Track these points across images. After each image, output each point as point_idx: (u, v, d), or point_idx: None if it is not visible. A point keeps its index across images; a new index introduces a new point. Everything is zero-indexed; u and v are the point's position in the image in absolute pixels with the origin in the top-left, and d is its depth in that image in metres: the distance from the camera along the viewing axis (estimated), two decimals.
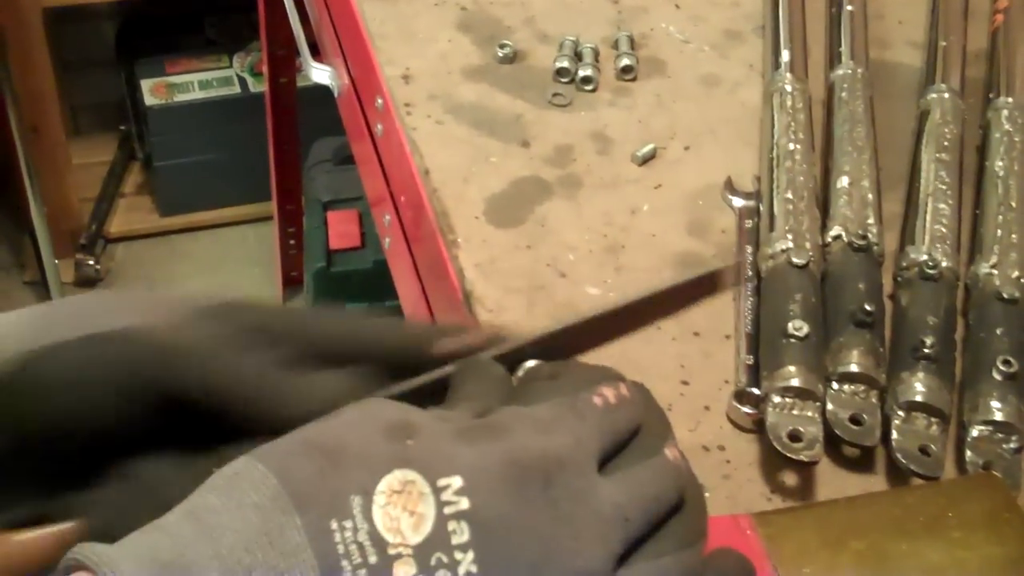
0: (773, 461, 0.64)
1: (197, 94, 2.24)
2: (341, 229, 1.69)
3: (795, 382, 0.64)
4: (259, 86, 2.22)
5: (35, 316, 0.43)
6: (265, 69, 1.82)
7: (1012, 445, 0.63)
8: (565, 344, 0.48)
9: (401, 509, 0.36)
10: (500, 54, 0.87)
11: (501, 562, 0.36)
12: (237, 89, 2.26)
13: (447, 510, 0.36)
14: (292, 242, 2.02)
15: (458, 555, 0.36)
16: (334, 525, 0.35)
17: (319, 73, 1.06)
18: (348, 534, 0.35)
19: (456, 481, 0.36)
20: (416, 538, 0.35)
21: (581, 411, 0.41)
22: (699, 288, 0.52)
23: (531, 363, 0.46)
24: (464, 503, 0.36)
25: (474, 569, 0.36)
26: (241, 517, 0.35)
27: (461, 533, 0.36)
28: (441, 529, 0.36)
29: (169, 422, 0.41)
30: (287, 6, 1.15)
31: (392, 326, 0.47)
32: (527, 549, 0.37)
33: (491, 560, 0.36)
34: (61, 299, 0.43)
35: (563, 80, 0.86)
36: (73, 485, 0.42)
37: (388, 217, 0.89)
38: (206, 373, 0.41)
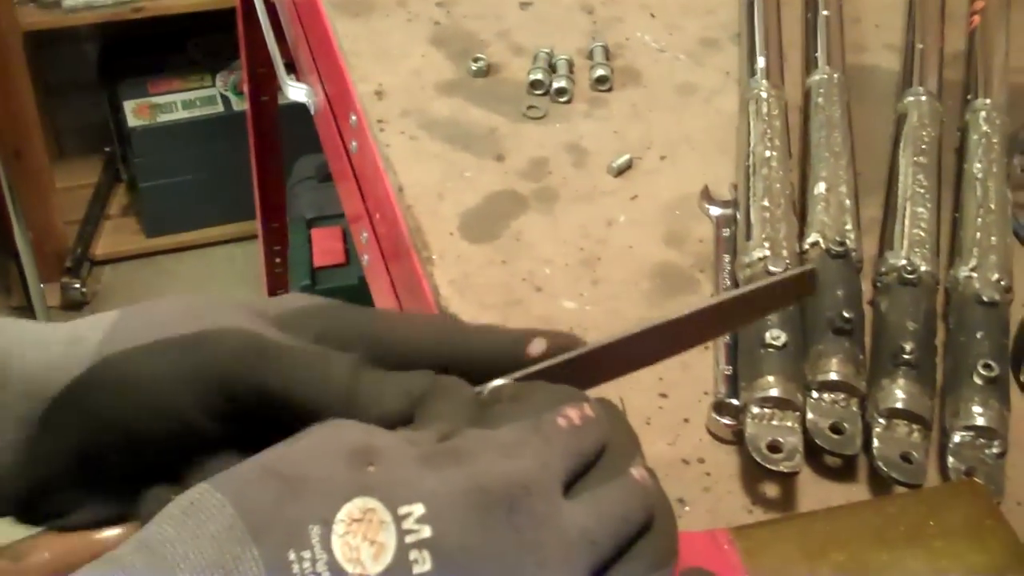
0: (754, 472, 0.64)
1: (180, 114, 2.24)
2: (325, 246, 1.69)
3: (774, 392, 0.63)
4: (242, 105, 2.21)
5: (111, 320, 0.43)
6: (246, 88, 1.82)
7: (995, 450, 0.63)
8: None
9: (361, 538, 0.35)
10: (474, 68, 0.87)
11: None
12: (220, 108, 2.26)
13: (408, 539, 0.35)
14: (278, 260, 2.01)
15: None
16: (292, 556, 0.34)
17: (295, 91, 1.05)
18: (307, 565, 0.34)
19: (418, 509, 0.36)
20: (377, 568, 0.35)
21: (545, 433, 0.40)
22: (788, 290, 0.51)
23: (496, 382, 0.45)
24: (426, 531, 0.35)
25: None
26: (196, 548, 0.34)
27: (423, 563, 0.35)
28: (402, 558, 0.35)
29: (248, 427, 0.41)
30: (263, 25, 1.14)
31: (477, 329, 0.47)
32: None
33: None
34: (135, 305, 0.43)
35: (537, 92, 0.86)
36: (154, 486, 0.41)
37: (365, 235, 0.89)
38: (295, 372, 0.41)
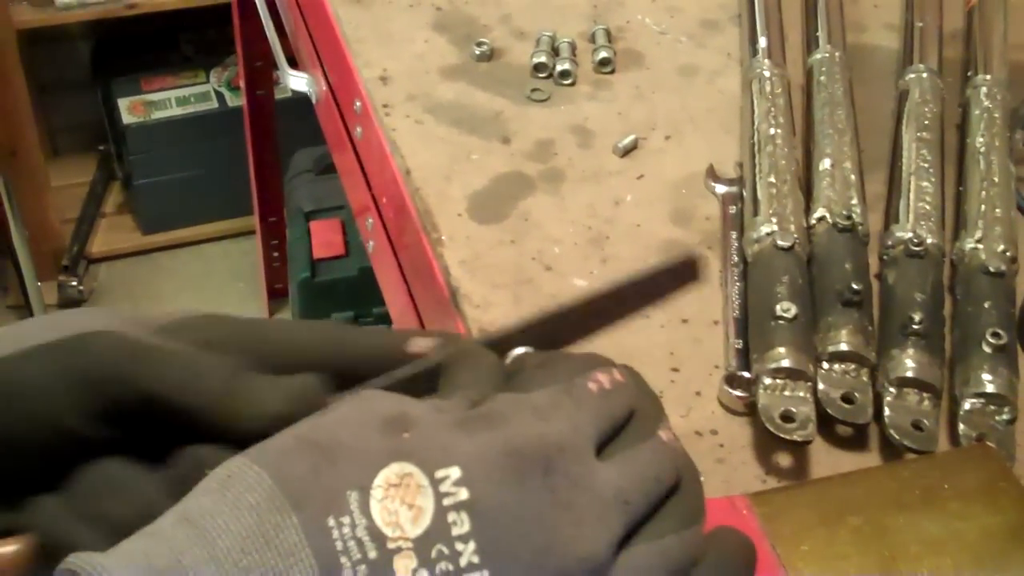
0: (766, 443, 0.64)
1: (175, 111, 2.24)
2: (324, 238, 1.69)
3: (785, 363, 0.64)
4: (237, 100, 2.22)
5: (7, 332, 0.43)
6: (242, 82, 1.82)
7: (1005, 416, 0.63)
8: (551, 332, 0.48)
9: (399, 503, 0.35)
10: (477, 52, 0.87)
11: (502, 551, 0.36)
12: (215, 104, 2.26)
13: (446, 501, 0.36)
14: (276, 254, 2.01)
15: (459, 546, 0.35)
16: (331, 522, 0.35)
17: (296, 81, 1.06)
18: (346, 530, 0.35)
19: (454, 472, 0.36)
20: (416, 531, 0.35)
21: (577, 397, 0.40)
22: (678, 274, 0.52)
23: (520, 350, 0.45)
24: (463, 494, 0.36)
25: (476, 559, 0.35)
26: (236, 518, 0.35)
27: (461, 524, 0.35)
28: (441, 521, 0.35)
29: (139, 431, 0.41)
30: (262, 17, 1.14)
31: (359, 332, 0.47)
32: (528, 537, 0.36)
33: (492, 549, 0.36)
34: (34, 317, 0.42)
35: (541, 75, 0.86)
36: (41, 495, 0.41)
37: (371, 221, 0.89)
38: (169, 372, 0.40)
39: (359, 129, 0.89)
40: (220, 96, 2.27)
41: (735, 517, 0.53)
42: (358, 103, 0.87)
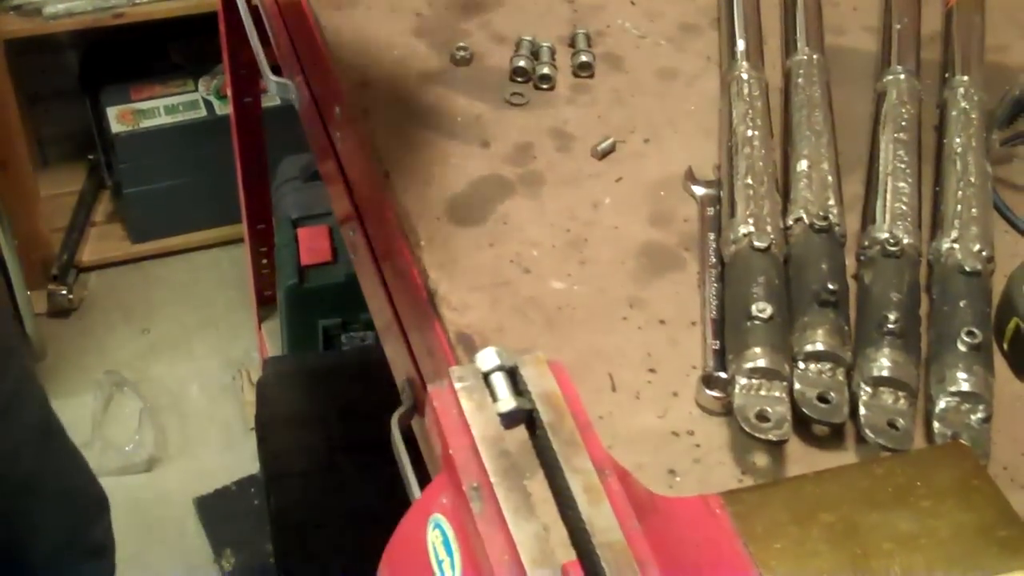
0: (743, 443, 0.64)
1: (164, 119, 2.24)
2: (312, 244, 1.69)
3: (761, 363, 0.64)
4: (225, 108, 2.21)
5: None
6: (229, 89, 1.82)
7: (979, 415, 0.64)
8: None
9: None
10: (456, 56, 0.88)
11: None
12: (203, 112, 2.26)
13: None
14: (264, 261, 2.01)
15: None
16: None
17: (280, 87, 1.06)
18: None
19: None
20: None
21: None
22: None
23: None
24: None
25: None
26: None
27: None
28: None
29: None
30: (245, 24, 1.14)
31: None
32: None
33: None
34: None
35: (521, 80, 0.86)
36: None
37: (353, 227, 0.89)
38: None
39: (339, 134, 0.89)
40: (209, 104, 2.27)
41: (708, 516, 0.54)
42: (338, 109, 0.87)
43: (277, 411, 1.57)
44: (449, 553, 0.44)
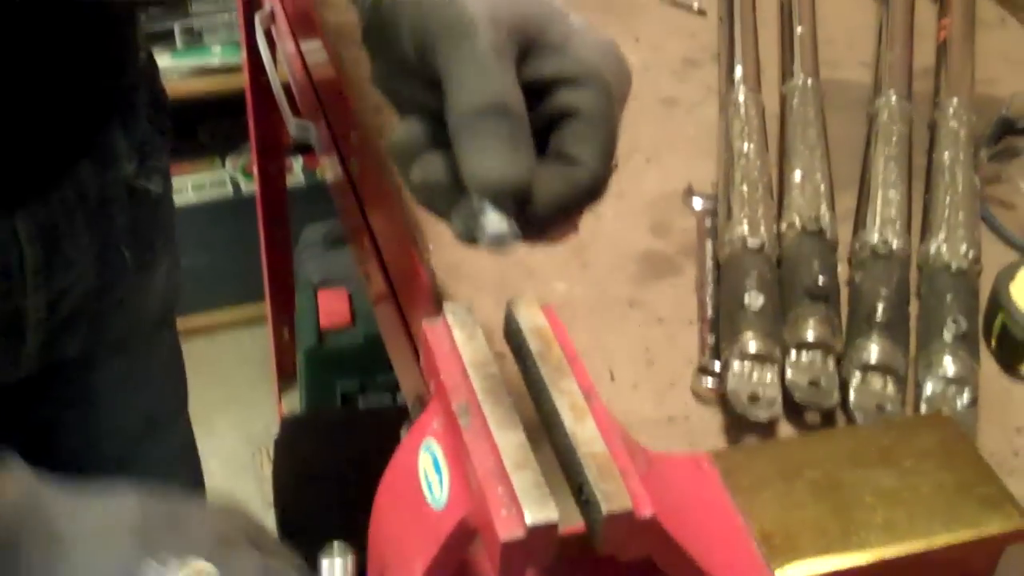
0: (737, 429, 0.66)
1: (190, 196, 2.29)
2: (331, 307, 1.72)
3: (752, 346, 0.66)
4: (251, 187, 2.27)
5: None
6: (255, 161, 1.87)
7: (965, 398, 0.65)
8: None
9: None
10: None
11: None
12: (229, 191, 2.31)
13: None
14: (286, 332, 2.04)
15: None
16: None
17: (299, 128, 1.10)
18: None
19: None
20: None
21: None
22: None
23: None
24: None
25: None
26: None
27: None
28: None
29: None
30: (268, 70, 1.20)
31: None
32: None
33: None
34: None
35: None
36: None
37: (363, 241, 0.93)
38: None
39: (355, 161, 0.93)
40: (235, 183, 2.33)
41: (697, 472, 0.55)
42: (354, 134, 0.91)
43: (293, 468, 1.59)
44: (438, 471, 0.46)
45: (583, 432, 0.44)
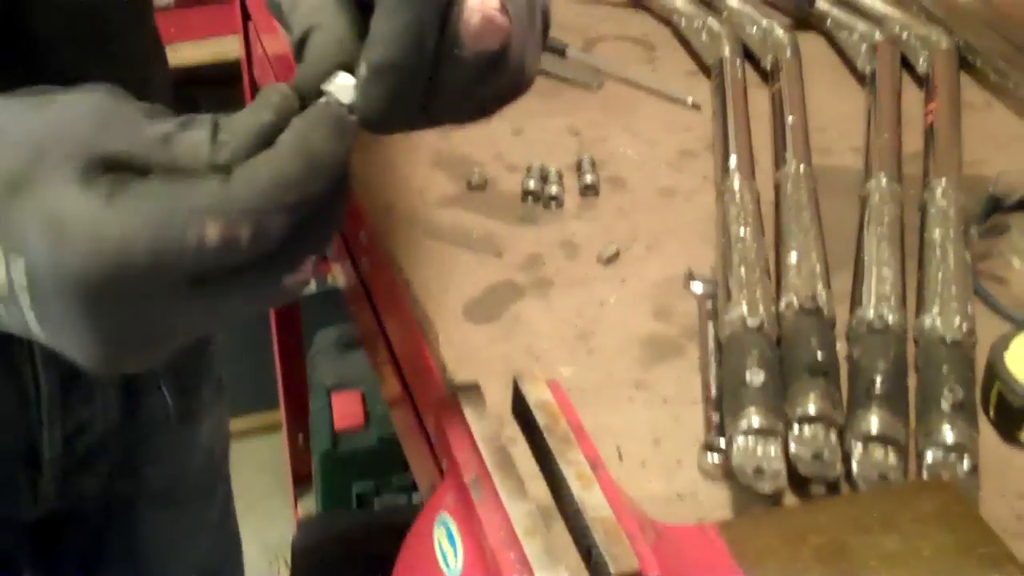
0: (743, 502, 0.68)
1: None
2: (345, 410, 1.74)
3: (755, 422, 0.68)
4: None
5: None
6: None
7: (966, 465, 0.67)
8: None
9: None
10: (472, 182, 0.95)
11: None
12: None
13: None
14: (300, 438, 2.05)
15: None
16: None
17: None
18: None
19: None
20: None
21: None
22: None
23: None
24: None
25: None
26: None
27: None
28: None
29: None
30: None
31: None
32: None
33: None
34: None
35: (531, 200, 0.93)
36: None
37: (375, 339, 0.95)
38: None
39: (365, 260, 0.96)
40: None
41: (705, 543, 0.57)
42: (363, 233, 0.94)
43: (311, 571, 1.59)
44: (452, 544, 0.47)
45: (590, 498, 0.46)
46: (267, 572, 2.24)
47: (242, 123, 0.46)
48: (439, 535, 0.48)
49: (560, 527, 0.47)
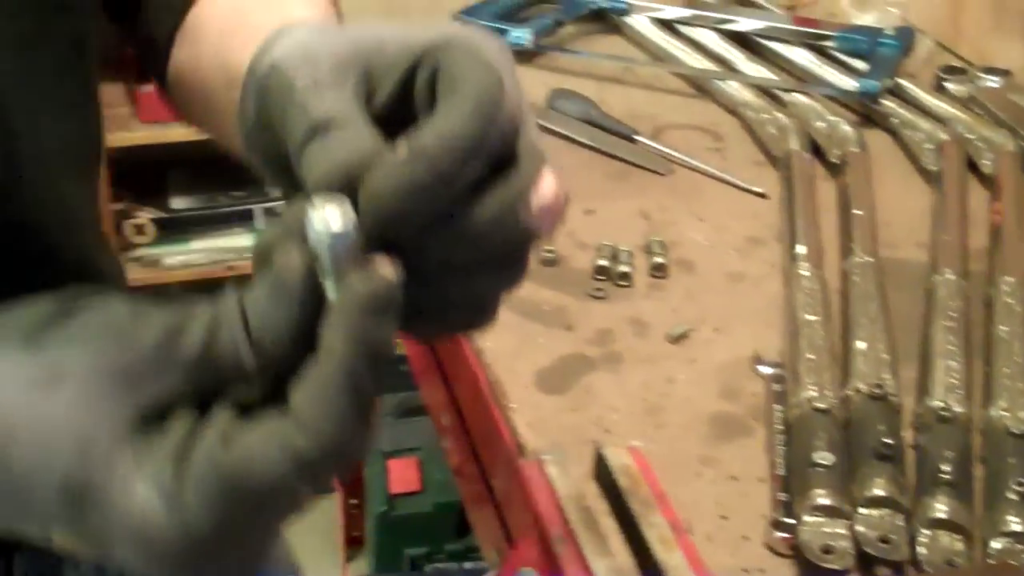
0: None
1: None
2: (402, 475, 1.77)
3: (824, 501, 0.69)
4: None
5: None
6: None
7: None
8: None
9: None
10: (544, 258, 0.98)
11: None
12: None
13: None
14: (353, 502, 2.07)
15: None
16: None
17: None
18: None
19: None
20: None
21: None
22: None
23: None
24: None
25: None
26: None
27: None
28: None
29: None
30: None
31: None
32: None
33: None
34: None
35: (601, 277, 0.96)
36: None
37: (445, 413, 0.97)
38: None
39: None
40: None
41: None
42: None
43: None
44: None
45: (672, 560, 0.48)
46: None
47: (274, 321, 0.42)
48: None
49: None
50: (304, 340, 0.42)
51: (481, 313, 0.48)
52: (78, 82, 0.66)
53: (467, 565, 1.77)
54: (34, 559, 0.68)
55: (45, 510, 0.42)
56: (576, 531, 0.48)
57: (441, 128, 0.42)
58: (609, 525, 0.50)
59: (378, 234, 0.42)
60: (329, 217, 0.41)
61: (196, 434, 0.42)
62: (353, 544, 2.09)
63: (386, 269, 0.41)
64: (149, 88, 2.09)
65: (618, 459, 0.54)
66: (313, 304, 0.42)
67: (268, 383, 0.43)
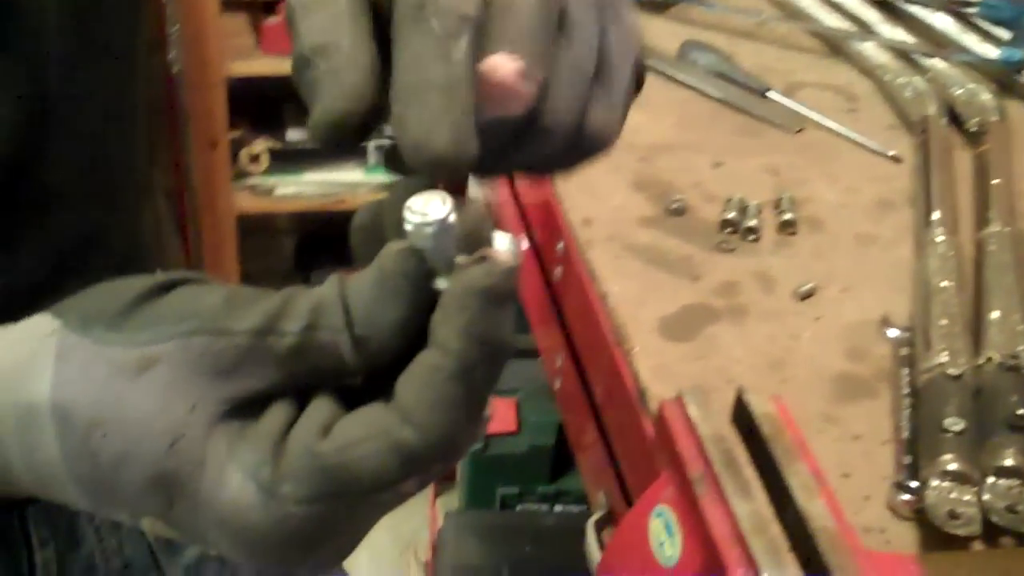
0: (932, 544, 0.68)
1: None
2: (500, 415, 1.78)
3: (952, 467, 0.68)
4: None
5: None
6: None
7: None
8: None
9: None
10: (671, 207, 0.97)
11: None
12: None
13: None
14: None
15: None
16: None
17: (500, 239, 1.17)
18: None
19: None
20: None
21: None
22: None
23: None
24: None
25: None
26: None
27: None
28: None
29: None
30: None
31: None
32: None
33: None
34: None
35: (728, 231, 0.95)
36: None
37: (560, 356, 0.98)
38: None
39: (559, 269, 0.98)
40: None
41: (903, 572, 0.58)
42: (561, 244, 0.97)
43: (453, 561, 1.63)
44: (670, 535, 0.49)
45: (814, 508, 0.48)
46: (398, 562, 2.29)
47: (381, 318, 0.41)
48: (655, 525, 0.50)
49: (776, 531, 0.48)
50: (411, 335, 0.41)
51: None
52: (124, 33, 0.65)
53: (557, 508, 1.79)
54: (48, 513, 0.68)
55: (134, 500, 0.41)
56: (719, 473, 0.48)
57: None
58: (749, 470, 0.50)
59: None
60: (430, 210, 0.40)
61: (293, 424, 0.41)
62: (442, 479, 2.11)
63: (504, 255, 0.41)
64: (274, 20, 2.12)
65: (760, 406, 0.54)
66: (423, 301, 0.41)
67: (370, 375, 0.41)
